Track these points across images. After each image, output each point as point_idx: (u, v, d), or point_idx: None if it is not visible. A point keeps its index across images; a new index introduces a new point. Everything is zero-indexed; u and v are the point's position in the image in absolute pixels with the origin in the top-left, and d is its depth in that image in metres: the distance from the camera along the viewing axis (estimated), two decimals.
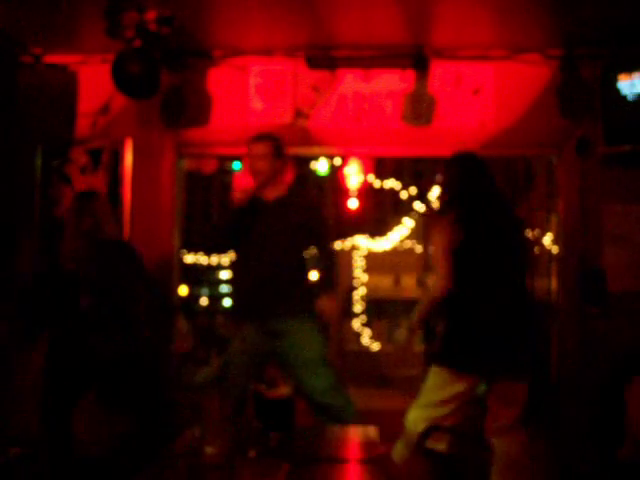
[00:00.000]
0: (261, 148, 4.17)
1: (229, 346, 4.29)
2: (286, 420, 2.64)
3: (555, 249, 4.97)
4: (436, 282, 3.52)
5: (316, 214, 4.38)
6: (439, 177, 3.94)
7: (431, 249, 3.71)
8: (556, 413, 4.71)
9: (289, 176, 4.86)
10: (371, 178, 6.98)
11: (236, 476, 2.35)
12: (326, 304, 4.16)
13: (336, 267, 4.50)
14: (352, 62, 4.87)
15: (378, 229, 9.54)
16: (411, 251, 9.73)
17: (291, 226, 4.16)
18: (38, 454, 3.88)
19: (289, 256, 4.14)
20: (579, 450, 4.55)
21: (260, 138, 4.21)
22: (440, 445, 3.30)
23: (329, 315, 4.20)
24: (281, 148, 4.21)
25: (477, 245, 3.50)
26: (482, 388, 3.60)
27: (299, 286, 4.18)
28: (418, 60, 4.78)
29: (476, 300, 3.47)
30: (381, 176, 7.64)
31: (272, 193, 4.20)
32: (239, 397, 3.94)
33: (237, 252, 4.29)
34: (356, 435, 3.12)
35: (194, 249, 5.01)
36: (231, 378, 4.13)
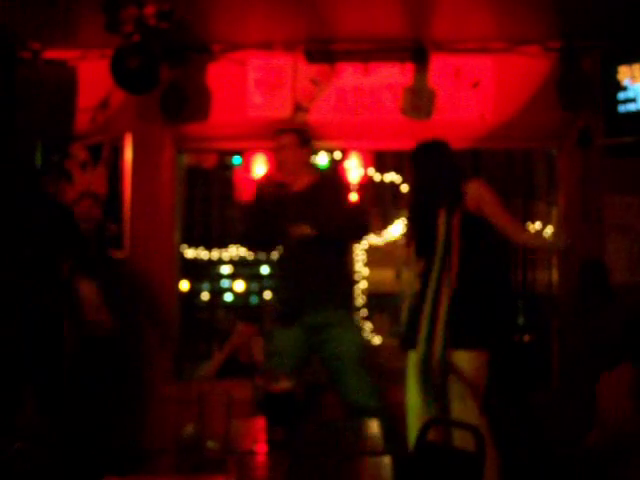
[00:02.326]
0: (285, 139, 4.19)
1: (271, 342, 4.25)
2: (289, 413, 2.64)
3: None
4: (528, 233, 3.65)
5: (345, 200, 4.33)
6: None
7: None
8: (554, 404, 4.71)
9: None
10: (371, 172, 6.96)
11: (238, 470, 2.35)
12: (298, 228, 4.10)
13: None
14: (351, 56, 4.86)
15: (379, 223, 9.52)
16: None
17: (321, 214, 4.09)
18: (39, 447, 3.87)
19: (322, 246, 4.07)
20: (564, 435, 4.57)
21: (284, 130, 4.28)
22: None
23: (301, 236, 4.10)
24: (306, 138, 4.22)
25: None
26: None
27: (340, 276, 4.14)
28: (417, 53, 4.77)
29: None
30: (381, 170, 7.62)
31: (300, 184, 4.17)
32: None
33: (281, 247, 4.25)
34: (358, 429, 3.12)
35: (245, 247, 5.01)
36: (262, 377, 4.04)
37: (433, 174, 3.85)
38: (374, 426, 2.95)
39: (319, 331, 4.03)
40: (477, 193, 3.76)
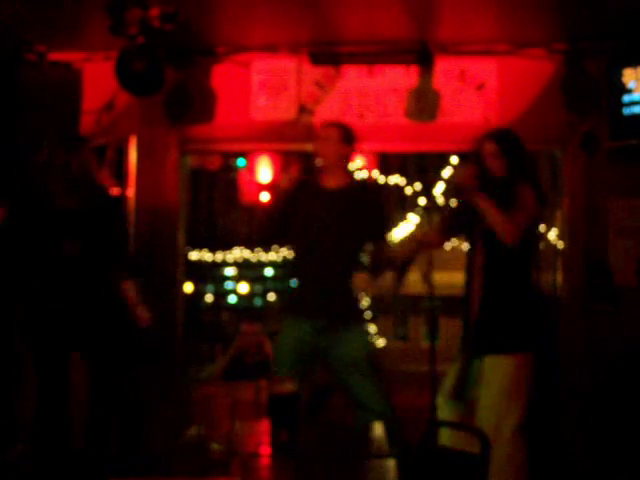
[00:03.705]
0: (328, 131, 4.08)
1: (277, 341, 4.22)
2: (292, 416, 2.63)
3: (560, 244, 4.96)
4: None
5: (377, 209, 4.23)
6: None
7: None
8: (560, 406, 4.71)
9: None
10: (376, 174, 6.98)
11: (242, 472, 2.35)
12: (361, 278, 3.94)
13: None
14: (356, 58, 4.86)
15: None
16: None
17: (354, 217, 4.00)
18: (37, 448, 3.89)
19: (346, 248, 3.99)
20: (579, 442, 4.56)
21: (330, 123, 4.15)
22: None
23: (362, 290, 4.01)
24: (351, 136, 4.16)
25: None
26: None
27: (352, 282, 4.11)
28: (422, 56, 4.77)
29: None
30: (386, 172, 7.63)
31: (336, 182, 4.09)
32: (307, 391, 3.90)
33: (297, 242, 4.19)
34: (362, 431, 3.12)
35: (256, 242, 4.97)
36: (283, 375, 3.99)
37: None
38: (379, 429, 2.94)
39: (328, 333, 4.01)
40: None
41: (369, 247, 4.07)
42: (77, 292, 3.89)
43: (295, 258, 4.23)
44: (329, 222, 4.00)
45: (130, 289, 4.10)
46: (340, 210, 4.00)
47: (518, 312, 3.57)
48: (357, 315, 4.13)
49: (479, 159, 3.66)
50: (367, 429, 2.97)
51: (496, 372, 3.50)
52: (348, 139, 4.07)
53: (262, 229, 4.47)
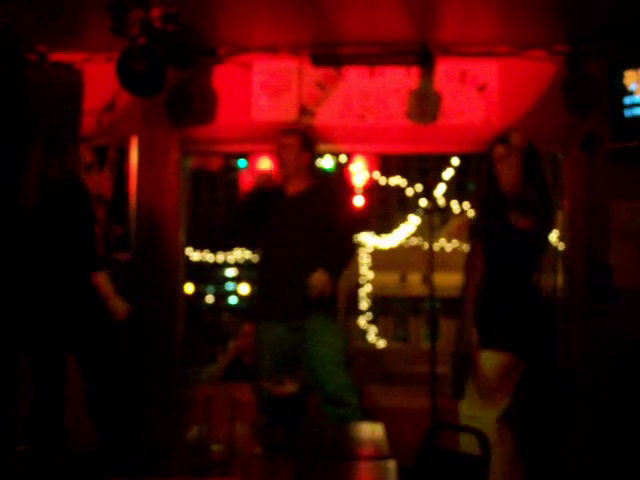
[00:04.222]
0: (287, 139, 4.21)
1: (257, 347, 4.24)
2: (293, 417, 2.63)
3: (561, 245, 4.96)
4: None
5: (339, 208, 4.32)
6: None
7: None
8: (560, 408, 4.70)
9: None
10: (377, 175, 6.98)
11: (242, 473, 2.35)
12: (317, 278, 3.97)
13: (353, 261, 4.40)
14: (357, 59, 4.86)
15: (384, 226, 9.55)
16: (417, 248, 9.72)
17: (313, 220, 4.12)
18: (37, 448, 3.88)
19: (311, 251, 4.06)
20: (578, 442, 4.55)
21: (288, 130, 4.30)
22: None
23: (321, 291, 3.98)
24: (310, 142, 4.24)
25: None
26: None
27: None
28: (423, 57, 4.77)
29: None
30: (387, 173, 7.63)
31: (296, 187, 4.20)
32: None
33: (261, 247, 4.27)
34: (362, 432, 3.12)
35: (215, 244, 4.91)
36: (265, 379, 4.01)
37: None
38: (379, 430, 2.94)
39: (300, 332, 4.07)
40: None
41: (330, 245, 4.08)
42: (56, 292, 3.84)
43: (260, 263, 4.31)
44: (290, 227, 4.12)
45: (102, 282, 4.06)
46: (299, 215, 4.13)
47: (514, 312, 3.60)
48: (329, 310, 4.14)
49: (489, 162, 3.69)
50: (366, 430, 2.97)
51: (483, 365, 3.57)
52: (307, 145, 4.17)
53: (228, 226, 4.52)
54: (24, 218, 3.87)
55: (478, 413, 3.54)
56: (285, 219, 4.16)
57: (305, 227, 4.12)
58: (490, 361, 3.56)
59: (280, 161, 4.23)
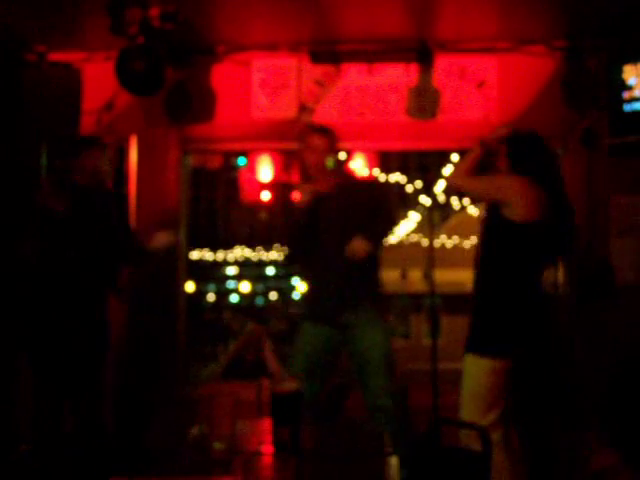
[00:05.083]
0: (317, 141, 4.04)
1: (299, 338, 4.14)
2: (293, 415, 2.64)
3: None
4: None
5: (379, 191, 4.29)
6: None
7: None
8: (562, 405, 4.71)
9: None
10: (376, 172, 6.98)
11: (244, 472, 2.35)
12: (355, 242, 3.88)
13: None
14: (356, 56, 4.86)
15: None
16: (417, 245, 9.74)
17: (354, 212, 3.99)
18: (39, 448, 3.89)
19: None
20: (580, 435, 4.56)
21: (318, 130, 4.11)
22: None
23: (358, 253, 3.88)
24: (336, 142, 4.11)
25: None
26: None
27: (370, 276, 4.06)
28: (422, 53, 4.77)
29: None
30: (386, 170, 7.63)
31: (325, 183, 4.05)
32: (323, 392, 3.92)
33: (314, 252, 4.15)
34: (362, 430, 3.12)
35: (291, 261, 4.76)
36: (308, 377, 3.85)
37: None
38: (381, 427, 2.95)
39: (349, 329, 4.00)
40: None
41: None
42: (73, 300, 3.83)
43: (310, 265, 4.20)
44: (334, 221, 4.01)
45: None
46: (338, 211, 4.02)
47: (505, 315, 3.44)
48: (378, 312, 4.09)
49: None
50: (370, 427, 2.97)
51: (466, 371, 3.47)
52: (334, 147, 4.07)
53: (292, 247, 4.34)
54: (51, 220, 3.86)
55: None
56: (325, 219, 4.03)
57: (348, 217, 4.00)
58: (473, 367, 3.44)
59: (310, 162, 4.05)
